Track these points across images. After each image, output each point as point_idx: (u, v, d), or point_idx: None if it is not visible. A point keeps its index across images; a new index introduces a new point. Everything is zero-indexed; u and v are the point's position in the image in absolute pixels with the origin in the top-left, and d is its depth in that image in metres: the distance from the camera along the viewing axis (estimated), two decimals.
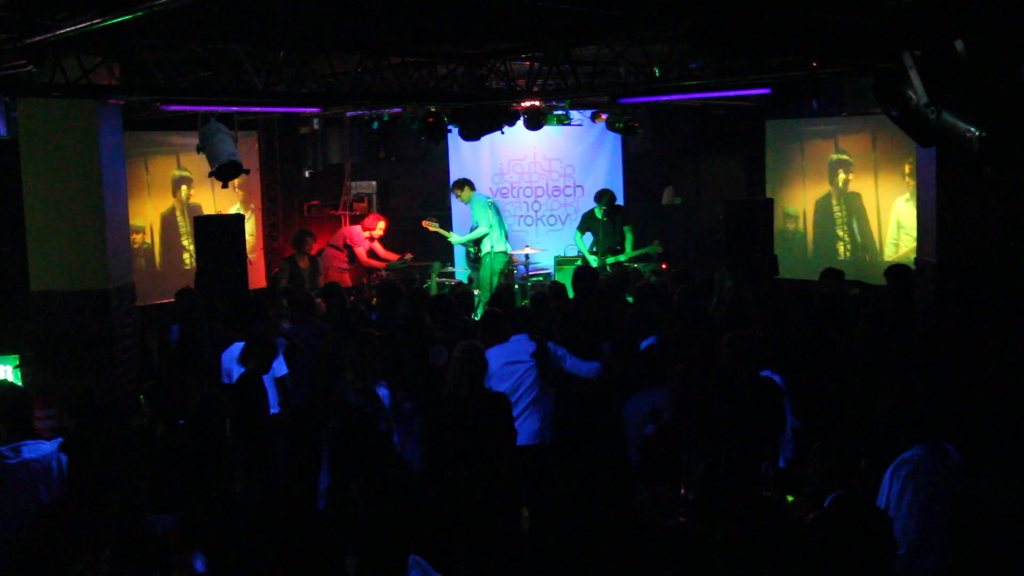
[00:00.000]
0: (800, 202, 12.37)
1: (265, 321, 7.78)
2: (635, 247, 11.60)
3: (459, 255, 12.94)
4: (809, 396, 6.05)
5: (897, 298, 7.55)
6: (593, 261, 11.48)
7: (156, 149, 11.44)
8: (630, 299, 8.50)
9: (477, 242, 12.03)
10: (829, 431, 5.62)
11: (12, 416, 4.93)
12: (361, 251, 12.39)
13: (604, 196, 11.67)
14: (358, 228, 12.62)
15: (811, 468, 4.29)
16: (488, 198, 12.32)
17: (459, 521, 5.51)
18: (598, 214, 11.67)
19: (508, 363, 6.32)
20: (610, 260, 11.34)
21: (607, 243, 11.60)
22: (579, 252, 12.05)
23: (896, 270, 7.81)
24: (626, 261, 11.36)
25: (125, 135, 7.97)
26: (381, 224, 12.64)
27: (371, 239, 12.59)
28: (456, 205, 13.09)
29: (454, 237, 12.44)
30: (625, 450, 6.23)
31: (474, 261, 12.29)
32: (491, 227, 11.84)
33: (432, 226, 12.28)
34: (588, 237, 11.81)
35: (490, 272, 11.71)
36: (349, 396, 5.90)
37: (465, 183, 12.17)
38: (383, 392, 5.96)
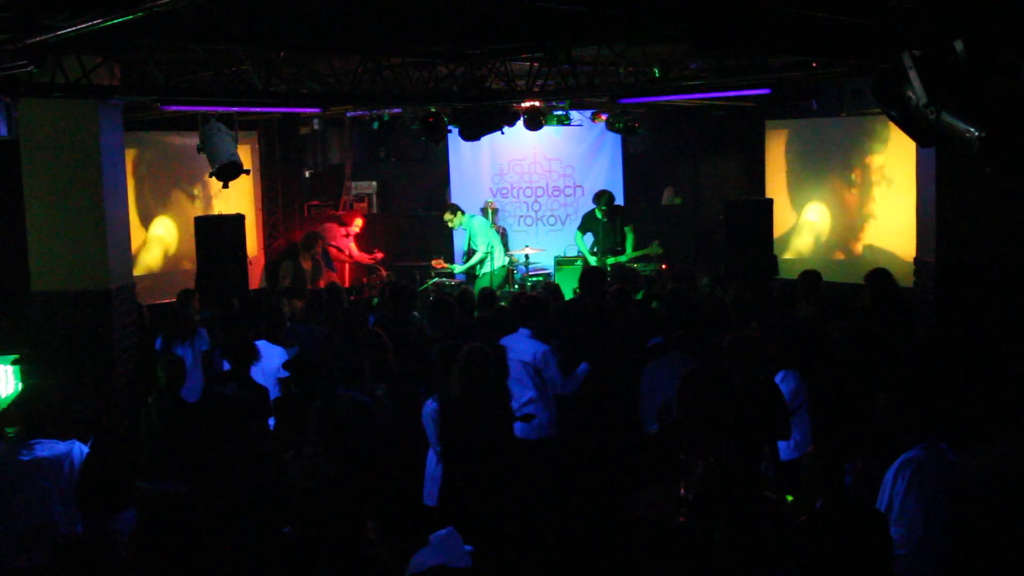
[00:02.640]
0: (800, 201, 12.37)
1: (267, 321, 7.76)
2: (636, 248, 11.60)
3: (459, 255, 12.92)
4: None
5: (876, 302, 7.50)
6: (592, 261, 11.48)
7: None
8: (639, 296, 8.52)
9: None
10: (824, 433, 5.62)
11: (30, 416, 4.95)
12: (331, 247, 12.55)
13: (603, 197, 11.68)
14: (335, 226, 12.88)
15: (806, 470, 4.30)
16: (479, 216, 12.29)
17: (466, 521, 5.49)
18: (598, 215, 11.68)
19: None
20: (610, 261, 11.35)
21: (607, 244, 11.60)
22: (579, 252, 12.04)
23: (873, 274, 7.74)
24: (626, 262, 11.37)
25: (125, 135, 7.97)
26: (358, 222, 12.95)
27: (347, 235, 12.78)
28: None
29: (457, 268, 12.31)
30: (624, 450, 6.24)
31: (470, 279, 12.09)
32: (491, 247, 11.86)
33: (440, 264, 12.19)
34: (589, 237, 11.82)
35: (492, 286, 11.69)
36: (339, 390, 5.89)
37: (453, 209, 12.10)
38: (431, 405, 5.79)
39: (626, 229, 11.67)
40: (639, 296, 8.48)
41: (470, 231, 12.04)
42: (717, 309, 7.24)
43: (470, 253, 12.16)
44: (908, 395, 4.58)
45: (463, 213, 12.04)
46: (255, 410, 6.01)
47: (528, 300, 7.05)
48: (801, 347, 6.21)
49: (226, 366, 7.03)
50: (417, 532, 3.90)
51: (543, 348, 6.52)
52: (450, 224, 12.13)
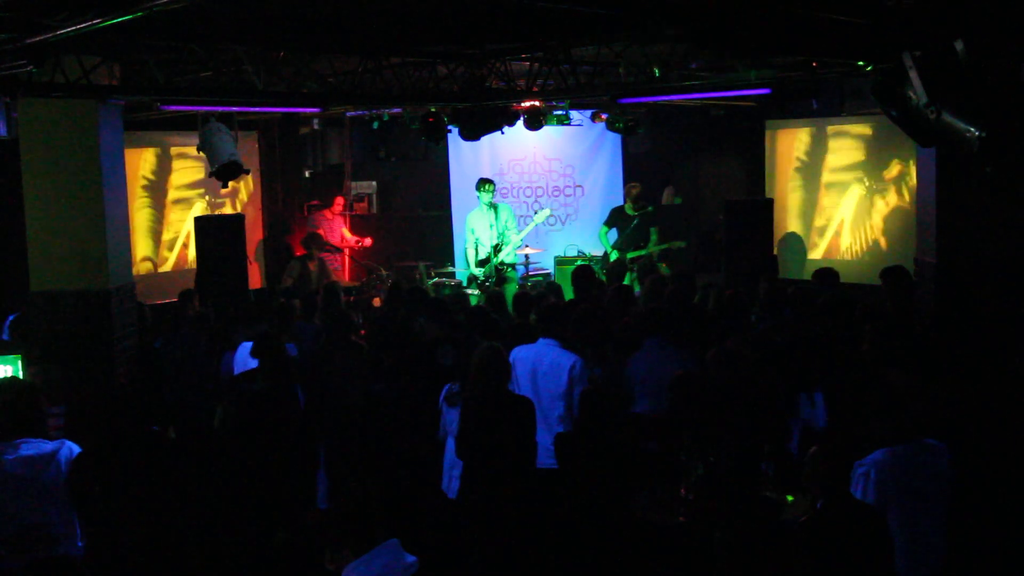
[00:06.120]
0: (799, 202, 12.37)
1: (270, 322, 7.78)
2: (658, 244, 11.60)
3: (458, 255, 12.89)
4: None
5: (894, 299, 7.53)
6: (613, 256, 11.44)
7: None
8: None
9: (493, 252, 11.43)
10: (828, 433, 5.62)
11: (13, 413, 4.89)
12: (321, 232, 12.58)
13: (633, 191, 11.67)
14: (325, 212, 13.05)
15: (807, 471, 4.30)
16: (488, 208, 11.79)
17: (479, 522, 5.49)
18: (628, 210, 11.66)
19: (534, 370, 6.02)
20: (630, 255, 11.35)
21: (633, 240, 11.57)
22: (580, 253, 11.94)
23: (891, 271, 7.79)
24: (646, 255, 11.40)
25: (125, 135, 7.97)
26: (339, 200, 13.12)
27: (332, 216, 12.92)
28: (456, 205, 13.08)
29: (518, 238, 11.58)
30: (624, 451, 6.22)
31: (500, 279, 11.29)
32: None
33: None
34: (613, 233, 11.80)
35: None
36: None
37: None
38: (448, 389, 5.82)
39: (651, 229, 11.69)
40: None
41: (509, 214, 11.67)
42: (727, 309, 7.24)
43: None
44: (891, 393, 4.59)
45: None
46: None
47: (550, 307, 6.68)
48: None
49: (227, 363, 7.07)
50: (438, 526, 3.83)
51: (580, 360, 6.06)
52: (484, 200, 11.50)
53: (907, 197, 10.96)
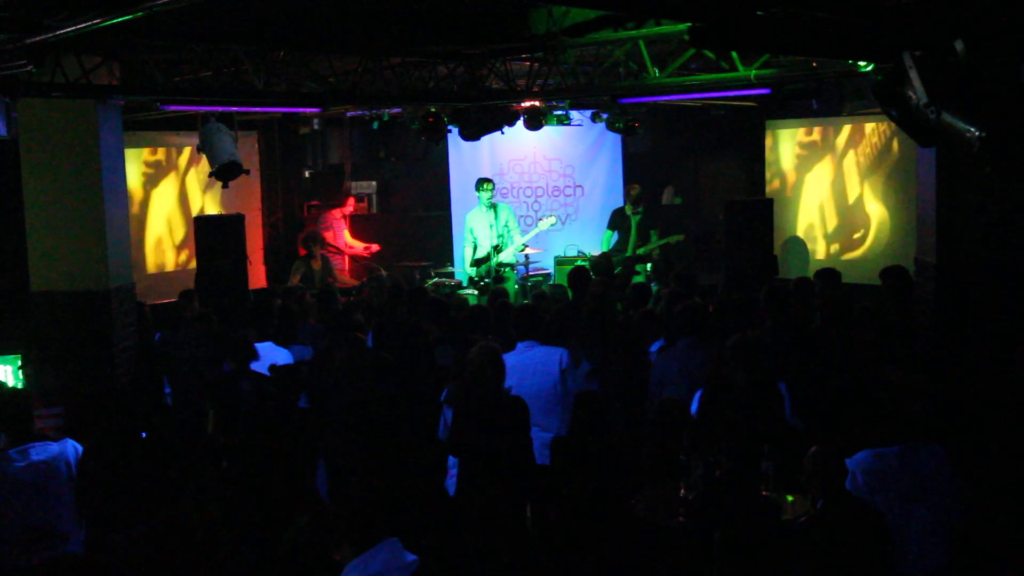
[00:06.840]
0: (800, 201, 12.37)
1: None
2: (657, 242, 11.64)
3: (458, 255, 12.89)
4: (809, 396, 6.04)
5: (894, 299, 7.53)
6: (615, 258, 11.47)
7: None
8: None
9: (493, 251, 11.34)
10: (826, 433, 5.62)
11: (13, 421, 4.89)
12: (328, 234, 12.52)
13: (633, 192, 11.72)
14: (333, 211, 12.95)
15: (807, 471, 4.30)
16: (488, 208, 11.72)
17: (467, 520, 5.49)
18: (628, 211, 11.66)
19: (522, 374, 6.02)
20: (629, 254, 11.34)
21: (632, 240, 11.57)
22: (580, 253, 11.94)
23: (891, 271, 7.79)
24: (645, 252, 11.41)
25: (125, 135, 7.97)
26: (351, 201, 13.16)
27: (343, 216, 12.89)
28: (455, 205, 13.08)
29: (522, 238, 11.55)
30: (624, 451, 6.23)
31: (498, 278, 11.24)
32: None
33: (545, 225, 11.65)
34: (616, 236, 11.80)
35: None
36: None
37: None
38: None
39: (652, 232, 11.69)
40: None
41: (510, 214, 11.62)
42: (735, 308, 7.23)
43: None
44: (883, 394, 4.59)
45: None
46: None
47: (522, 310, 6.72)
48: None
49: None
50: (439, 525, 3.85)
51: (565, 351, 6.20)
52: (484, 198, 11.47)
53: (907, 197, 10.92)
